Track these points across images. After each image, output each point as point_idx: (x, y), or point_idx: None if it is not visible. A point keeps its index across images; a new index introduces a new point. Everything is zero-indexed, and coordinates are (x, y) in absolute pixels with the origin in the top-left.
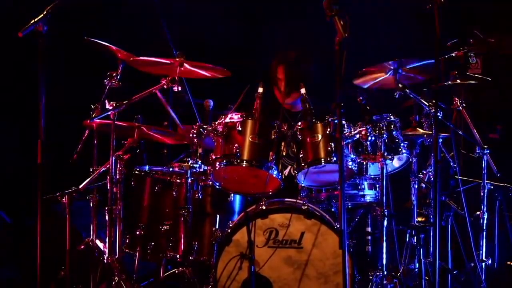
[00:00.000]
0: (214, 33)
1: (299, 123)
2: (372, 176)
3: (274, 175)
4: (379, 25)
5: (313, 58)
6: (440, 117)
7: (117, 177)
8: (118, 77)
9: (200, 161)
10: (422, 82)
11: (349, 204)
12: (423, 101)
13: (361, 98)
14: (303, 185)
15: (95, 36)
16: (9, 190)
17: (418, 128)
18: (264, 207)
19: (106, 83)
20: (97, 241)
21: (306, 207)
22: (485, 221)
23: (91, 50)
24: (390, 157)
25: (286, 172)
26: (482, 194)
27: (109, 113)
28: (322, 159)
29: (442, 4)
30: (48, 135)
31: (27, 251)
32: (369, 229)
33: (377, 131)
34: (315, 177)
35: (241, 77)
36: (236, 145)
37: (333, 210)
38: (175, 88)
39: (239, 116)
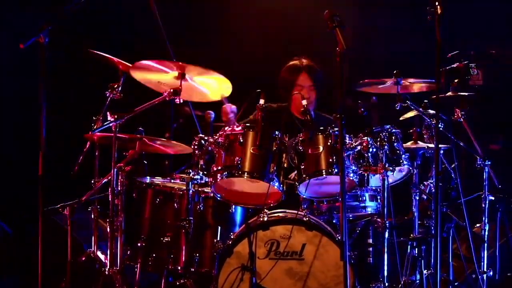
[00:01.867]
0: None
1: (300, 135)
2: (373, 188)
3: (275, 187)
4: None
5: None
6: (441, 129)
7: (119, 188)
8: (120, 88)
9: (201, 173)
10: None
11: (351, 215)
12: (424, 112)
13: (362, 109)
14: (304, 196)
15: (95, 48)
16: (11, 202)
17: (419, 141)
18: (265, 219)
19: (107, 94)
20: (98, 253)
21: (307, 218)
22: (486, 233)
23: (93, 61)
24: (391, 168)
25: (293, 175)
26: (483, 205)
27: (110, 125)
28: (323, 171)
29: (442, 15)
30: (49, 147)
31: (28, 263)
32: (370, 241)
33: (378, 143)
34: (316, 188)
35: (242, 88)
36: (237, 156)
37: (334, 221)
38: (177, 100)
39: (240, 127)
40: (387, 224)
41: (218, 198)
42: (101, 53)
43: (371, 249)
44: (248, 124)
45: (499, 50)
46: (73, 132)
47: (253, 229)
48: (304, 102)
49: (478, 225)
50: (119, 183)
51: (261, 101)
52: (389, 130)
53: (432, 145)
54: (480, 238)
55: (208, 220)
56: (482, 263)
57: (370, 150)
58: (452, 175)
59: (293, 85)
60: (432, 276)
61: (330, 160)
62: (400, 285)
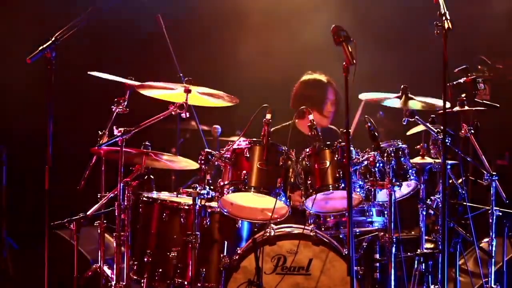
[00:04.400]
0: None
1: (307, 150)
2: (380, 203)
3: (282, 202)
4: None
5: None
6: (448, 144)
7: (125, 203)
8: (126, 103)
9: (208, 188)
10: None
11: (357, 230)
12: (431, 127)
13: (368, 124)
14: (311, 211)
15: (103, 64)
16: (18, 216)
17: (426, 157)
18: (272, 234)
19: (113, 109)
20: (105, 268)
21: (314, 233)
22: (493, 248)
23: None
24: (398, 183)
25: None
26: (490, 220)
27: (117, 139)
28: (330, 186)
29: (450, 30)
30: (56, 162)
31: (35, 278)
32: (377, 256)
33: (385, 158)
34: (323, 203)
35: (248, 103)
36: (244, 171)
37: (341, 236)
38: (183, 115)
39: (247, 142)
40: (394, 239)
41: (225, 213)
42: (103, 76)
43: (378, 264)
44: (255, 139)
45: (505, 65)
46: (80, 147)
47: (260, 244)
48: (311, 117)
49: (485, 240)
50: (125, 198)
51: (268, 116)
52: (396, 145)
53: (439, 160)
54: (487, 253)
55: (215, 235)
56: (490, 279)
57: (377, 165)
58: (459, 190)
59: (324, 99)
60: None
61: (337, 175)
62: None
